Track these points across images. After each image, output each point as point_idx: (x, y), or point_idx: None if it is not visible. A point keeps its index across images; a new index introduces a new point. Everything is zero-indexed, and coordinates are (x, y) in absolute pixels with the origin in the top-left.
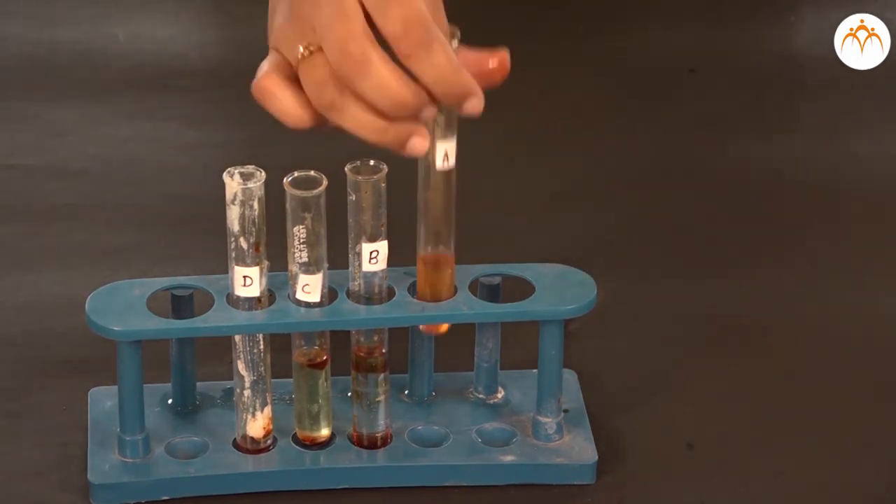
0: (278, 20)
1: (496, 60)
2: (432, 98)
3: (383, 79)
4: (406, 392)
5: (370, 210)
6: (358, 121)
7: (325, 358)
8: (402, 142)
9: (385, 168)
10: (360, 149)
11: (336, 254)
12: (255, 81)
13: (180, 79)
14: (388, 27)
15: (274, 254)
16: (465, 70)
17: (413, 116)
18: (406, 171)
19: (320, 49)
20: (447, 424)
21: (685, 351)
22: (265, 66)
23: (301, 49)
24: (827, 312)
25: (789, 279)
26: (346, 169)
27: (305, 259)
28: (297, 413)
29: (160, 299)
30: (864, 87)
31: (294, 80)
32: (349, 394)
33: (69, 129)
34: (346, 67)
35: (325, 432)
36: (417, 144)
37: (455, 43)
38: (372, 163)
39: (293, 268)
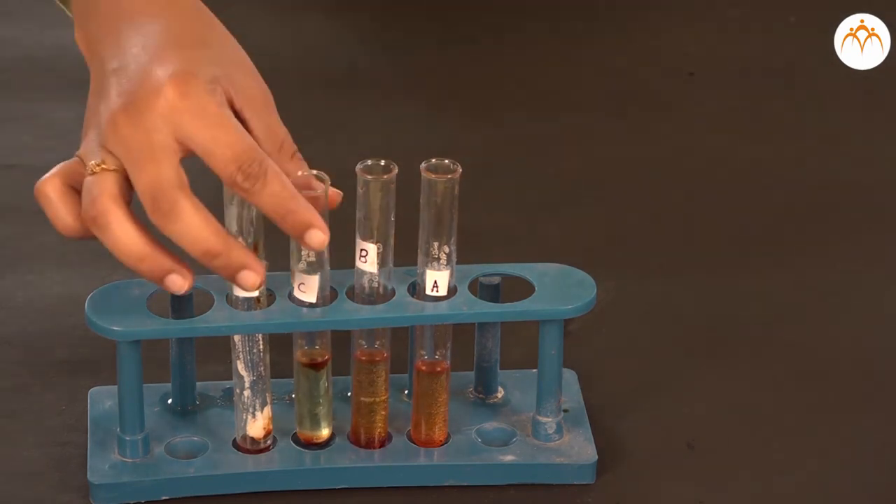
0: (88, 142)
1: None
2: (247, 250)
3: (193, 227)
4: (406, 392)
5: (362, 209)
6: (118, 243)
7: (326, 358)
8: (157, 276)
9: (395, 169)
10: (358, 151)
11: (347, 254)
12: (37, 183)
13: None
14: (221, 169)
15: (273, 254)
16: (303, 200)
17: (224, 265)
18: (407, 171)
19: (113, 171)
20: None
21: (685, 351)
22: (54, 169)
23: (93, 163)
24: (827, 312)
25: (789, 279)
26: (356, 168)
27: (313, 259)
28: (298, 413)
29: (160, 299)
30: (864, 87)
31: (79, 189)
32: (349, 394)
33: (69, 129)
34: (155, 213)
35: (325, 432)
36: (174, 282)
37: (326, 186)
38: (383, 163)
39: (297, 266)
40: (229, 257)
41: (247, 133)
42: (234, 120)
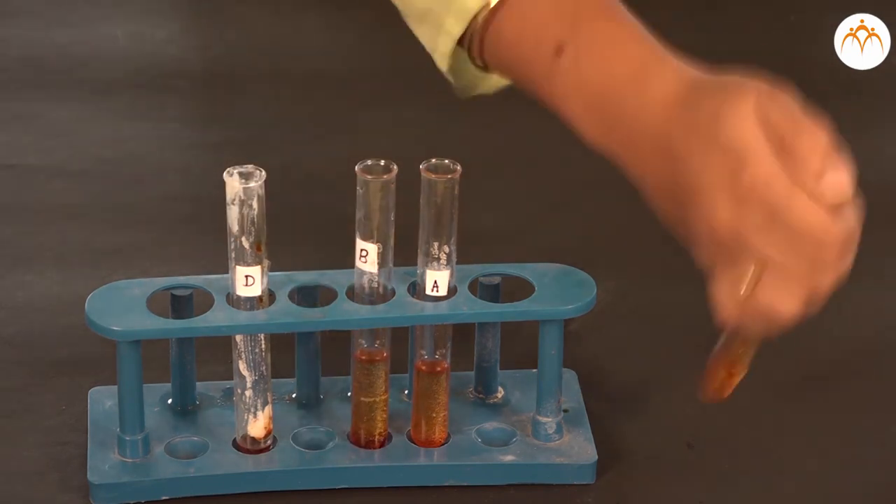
0: (693, 234)
1: None
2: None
3: (808, 208)
4: (406, 392)
5: (362, 209)
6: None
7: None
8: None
9: (395, 169)
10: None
11: (347, 254)
12: (718, 314)
13: (179, 79)
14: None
15: (274, 254)
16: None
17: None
18: (407, 171)
19: (762, 262)
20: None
21: (685, 351)
22: (721, 296)
23: (751, 272)
24: (827, 312)
25: None
26: (356, 168)
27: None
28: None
29: (160, 299)
30: (864, 87)
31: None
32: (349, 394)
33: (69, 129)
34: (771, 204)
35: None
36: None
37: None
38: (383, 163)
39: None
40: (847, 233)
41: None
42: None
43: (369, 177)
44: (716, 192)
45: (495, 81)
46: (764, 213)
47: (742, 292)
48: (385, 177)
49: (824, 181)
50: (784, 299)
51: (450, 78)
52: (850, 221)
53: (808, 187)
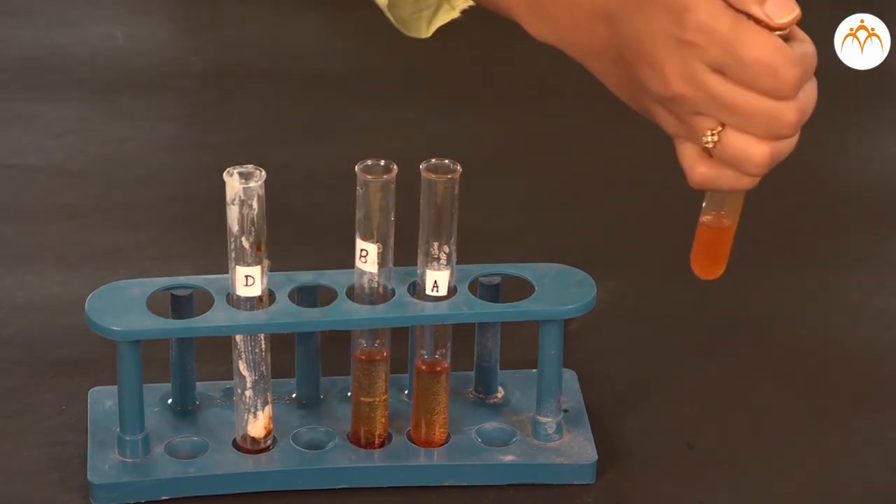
0: (648, 101)
1: None
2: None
3: (762, 37)
4: (406, 392)
5: (362, 209)
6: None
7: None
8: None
9: (395, 169)
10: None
11: (347, 254)
12: (689, 177)
13: (179, 79)
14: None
15: (274, 254)
16: None
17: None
18: (407, 171)
19: (721, 125)
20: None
21: (685, 351)
22: (687, 159)
23: (707, 138)
24: (827, 312)
25: (789, 279)
26: (356, 168)
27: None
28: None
29: (160, 299)
30: (864, 87)
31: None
32: (349, 394)
33: (69, 129)
34: (724, 45)
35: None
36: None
37: None
38: (383, 163)
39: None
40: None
41: None
42: None
43: (369, 177)
44: (661, 48)
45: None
46: (713, 54)
47: (707, 144)
48: (385, 177)
49: (768, 3)
50: (750, 141)
51: (388, 14)
52: (804, 47)
53: (753, 13)
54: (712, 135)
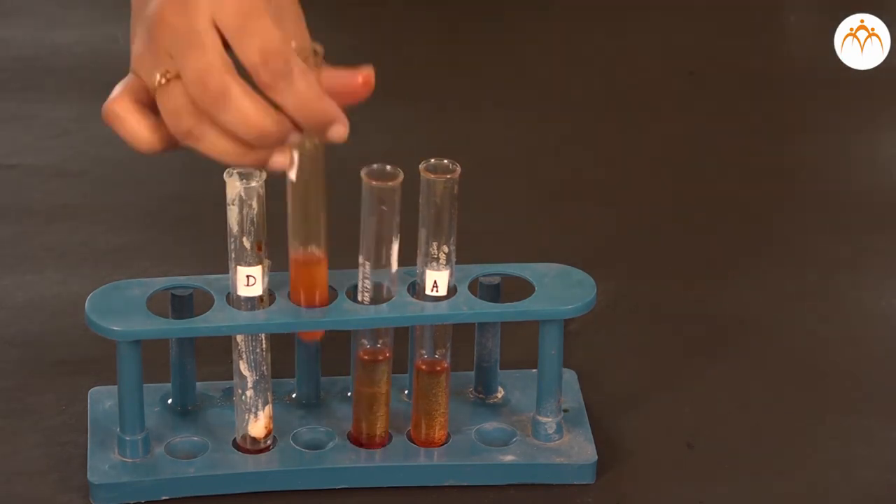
0: (137, 45)
1: (362, 77)
2: (296, 125)
3: (243, 111)
4: (406, 392)
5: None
6: (216, 147)
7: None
8: (264, 162)
9: (401, 175)
10: (358, 151)
11: (347, 253)
12: (104, 104)
13: None
14: (247, 58)
15: (274, 254)
16: (328, 97)
17: (277, 143)
18: (407, 171)
19: (178, 76)
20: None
21: (685, 351)
22: (118, 88)
23: (158, 76)
24: (827, 312)
25: (789, 279)
26: (361, 173)
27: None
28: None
29: (160, 299)
30: (864, 87)
31: (149, 104)
32: (349, 394)
33: (69, 129)
34: (205, 100)
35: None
36: (278, 162)
37: (318, 59)
38: (388, 168)
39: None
40: (282, 132)
41: (279, 31)
42: (270, 16)
43: (375, 183)
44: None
45: None
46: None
47: (159, 82)
48: (391, 184)
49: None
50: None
51: None
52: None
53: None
54: (164, 77)
